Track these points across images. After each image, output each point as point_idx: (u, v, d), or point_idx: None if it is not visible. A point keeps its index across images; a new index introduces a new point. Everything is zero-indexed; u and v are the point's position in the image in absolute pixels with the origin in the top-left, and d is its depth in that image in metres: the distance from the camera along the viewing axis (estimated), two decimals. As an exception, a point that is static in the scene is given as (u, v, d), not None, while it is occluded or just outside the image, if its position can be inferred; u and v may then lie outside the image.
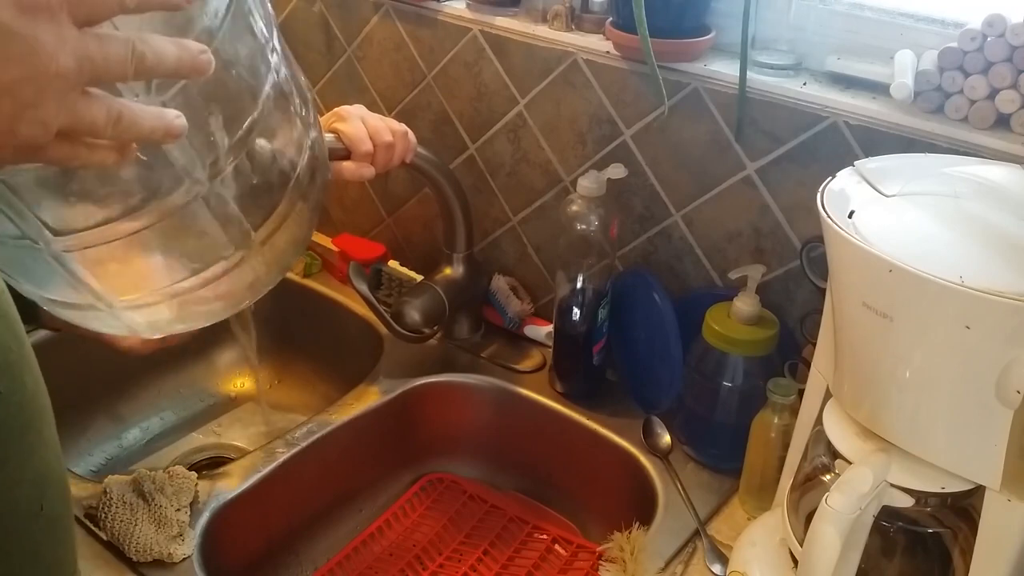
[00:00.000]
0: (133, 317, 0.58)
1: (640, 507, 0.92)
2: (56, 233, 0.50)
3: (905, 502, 0.65)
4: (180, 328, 0.62)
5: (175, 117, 0.43)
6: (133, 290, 0.56)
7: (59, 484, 0.56)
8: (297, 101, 0.59)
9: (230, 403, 1.25)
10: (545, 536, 1.02)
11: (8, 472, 0.51)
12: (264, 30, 0.54)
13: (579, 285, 0.99)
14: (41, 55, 0.36)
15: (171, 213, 0.51)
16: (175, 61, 0.41)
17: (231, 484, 0.91)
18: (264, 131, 0.55)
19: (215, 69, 0.45)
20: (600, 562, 0.87)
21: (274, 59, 0.55)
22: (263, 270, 0.61)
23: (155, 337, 0.62)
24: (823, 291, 0.72)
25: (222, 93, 0.51)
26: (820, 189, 0.67)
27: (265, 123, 0.54)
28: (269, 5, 0.56)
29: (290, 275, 1.26)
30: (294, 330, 1.24)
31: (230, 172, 0.53)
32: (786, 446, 0.81)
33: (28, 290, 0.56)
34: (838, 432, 0.69)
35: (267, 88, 0.54)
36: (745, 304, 0.88)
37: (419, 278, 1.15)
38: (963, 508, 0.67)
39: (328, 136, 0.83)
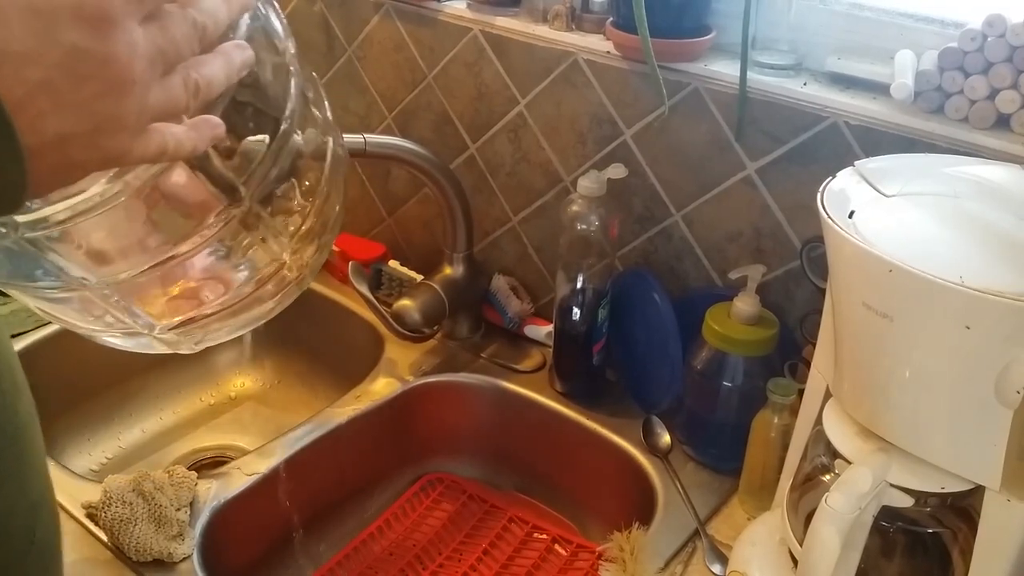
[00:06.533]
0: (176, 339, 0.58)
1: (640, 507, 0.92)
2: (97, 276, 0.49)
3: (905, 502, 0.65)
4: (224, 338, 0.62)
5: (235, 47, 0.42)
6: (176, 312, 0.56)
7: (50, 512, 0.55)
8: (315, 98, 0.59)
9: (230, 403, 1.25)
10: (545, 536, 1.02)
11: (2, 503, 0.50)
12: (281, 32, 0.54)
13: (579, 285, 0.99)
14: (114, 68, 0.35)
15: (215, 235, 0.51)
16: (227, 16, 0.40)
17: (231, 484, 0.91)
18: (298, 129, 0.55)
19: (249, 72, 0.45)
20: (600, 562, 0.87)
21: (292, 61, 0.55)
22: (297, 273, 0.61)
23: (198, 350, 0.62)
24: (823, 291, 0.72)
25: (256, 98, 0.51)
26: (820, 189, 0.67)
27: (297, 124, 0.54)
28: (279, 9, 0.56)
29: (290, 275, 1.25)
30: (294, 330, 1.24)
31: (271, 178, 0.52)
32: (786, 446, 0.81)
33: (60, 322, 0.56)
34: (838, 432, 0.69)
35: (293, 91, 0.54)
36: (745, 304, 0.88)
37: (419, 278, 1.15)
38: (963, 508, 0.67)
39: None
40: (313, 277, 0.64)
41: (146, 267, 0.49)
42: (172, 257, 0.50)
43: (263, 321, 0.63)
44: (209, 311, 0.57)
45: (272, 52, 0.52)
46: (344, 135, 1.02)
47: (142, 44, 0.36)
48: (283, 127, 0.52)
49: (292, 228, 0.57)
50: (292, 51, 0.54)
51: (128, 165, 0.39)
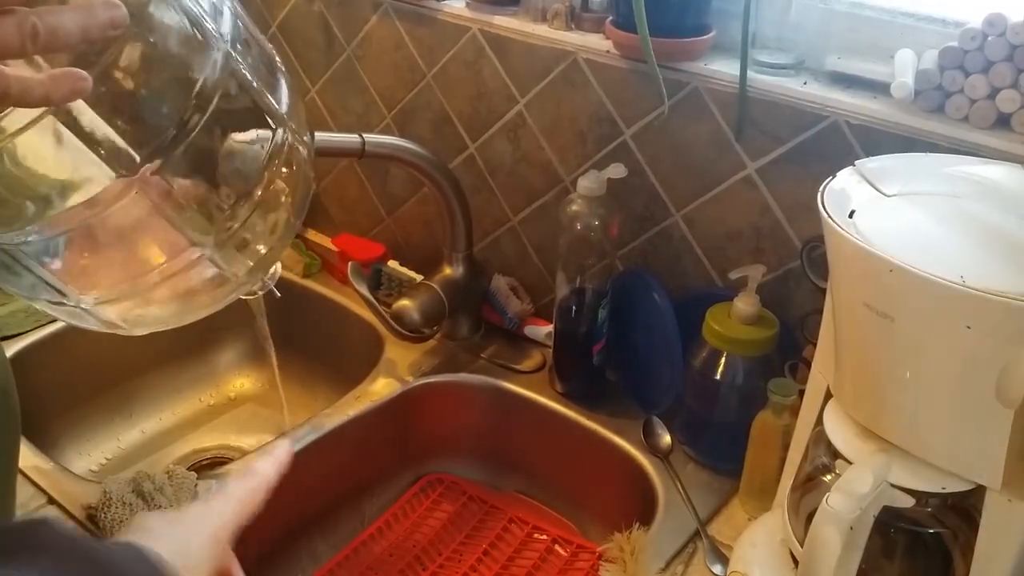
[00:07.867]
0: (105, 313, 0.58)
1: (640, 507, 0.92)
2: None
3: (906, 502, 0.65)
4: (158, 325, 0.62)
5: (103, 4, 0.39)
6: (95, 287, 0.55)
7: None
8: (266, 88, 0.58)
9: (230, 403, 1.25)
10: (545, 536, 1.01)
11: None
12: (208, 10, 0.52)
13: (579, 285, 0.99)
14: None
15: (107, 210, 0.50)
16: None
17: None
18: (221, 119, 0.53)
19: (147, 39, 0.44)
20: (600, 562, 0.87)
21: (222, 44, 0.53)
22: (236, 265, 0.59)
23: (136, 333, 0.61)
24: (823, 291, 0.72)
25: (152, 67, 0.49)
26: (820, 189, 0.67)
27: (220, 105, 0.53)
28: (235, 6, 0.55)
29: (290, 275, 1.25)
30: (294, 330, 1.24)
31: (176, 158, 0.51)
32: (786, 446, 0.81)
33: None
34: (838, 432, 0.69)
35: (219, 71, 0.52)
36: (745, 304, 0.88)
37: (419, 278, 1.15)
38: (964, 508, 0.67)
39: None
40: (267, 269, 0.62)
41: (33, 226, 0.49)
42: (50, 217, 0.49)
43: (206, 313, 0.62)
44: (132, 291, 0.56)
45: (182, 26, 0.50)
46: (343, 135, 1.02)
47: None
48: (191, 103, 0.50)
49: (225, 212, 0.56)
50: (226, 32, 0.53)
51: None
